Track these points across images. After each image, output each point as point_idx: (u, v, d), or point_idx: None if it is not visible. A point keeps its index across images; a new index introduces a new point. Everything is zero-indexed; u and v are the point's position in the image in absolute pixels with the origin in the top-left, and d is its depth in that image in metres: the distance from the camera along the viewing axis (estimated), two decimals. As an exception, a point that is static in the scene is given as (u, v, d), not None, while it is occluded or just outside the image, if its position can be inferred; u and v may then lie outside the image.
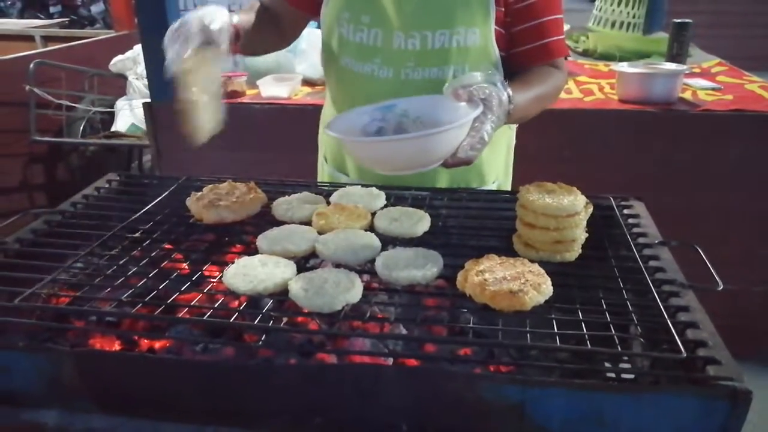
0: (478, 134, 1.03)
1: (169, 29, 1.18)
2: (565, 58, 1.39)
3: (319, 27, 1.49)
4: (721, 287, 0.96)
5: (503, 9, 1.29)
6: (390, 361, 0.93)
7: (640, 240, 1.14)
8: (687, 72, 2.56)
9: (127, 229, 1.20)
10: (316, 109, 2.44)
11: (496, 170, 1.51)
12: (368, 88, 1.36)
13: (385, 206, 1.27)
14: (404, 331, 1.00)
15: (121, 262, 1.08)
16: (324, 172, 1.63)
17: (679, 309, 0.93)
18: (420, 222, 1.17)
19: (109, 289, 1.03)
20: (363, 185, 1.34)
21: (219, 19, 1.19)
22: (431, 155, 1.02)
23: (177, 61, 1.15)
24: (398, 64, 1.32)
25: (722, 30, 5.74)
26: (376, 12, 1.31)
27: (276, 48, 1.57)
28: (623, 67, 2.43)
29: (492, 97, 1.07)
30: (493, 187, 1.50)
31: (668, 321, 0.89)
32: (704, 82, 2.63)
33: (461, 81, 1.11)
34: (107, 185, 1.42)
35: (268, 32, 1.44)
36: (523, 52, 1.34)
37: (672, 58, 2.73)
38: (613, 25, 3.51)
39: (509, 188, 1.58)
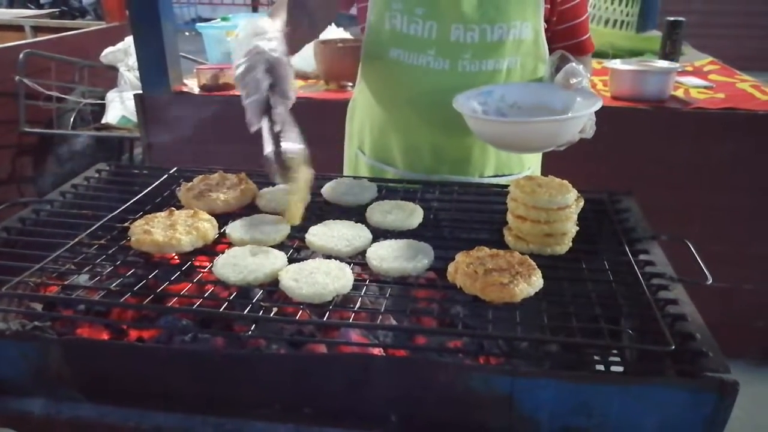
0: (592, 119, 1.20)
1: (236, 73, 1.12)
2: None
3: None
4: (710, 281, 0.97)
5: (549, 6, 1.36)
6: (380, 351, 0.93)
7: (631, 234, 1.15)
8: (679, 70, 2.56)
9: (116, 219, 1.19)
10: (308, 103, 2.45)
11: (532, 157, 1.58)
12: (422, 79, 1.37)
13: (377, 199, 1.27)
14: (394, 323, 1.00)
15: (110, 251, 1.08)
16: (359, 165, 1.61)
17: (668, 302, 0.93)
18: (412, 215, 1.17)
19: (97, 278, 1.02)
20: (407, 180, 1.41)
21: (278, 48, 1.12)
22: (560, 138, 1.15)
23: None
24: (455, 56, 1.35)
25: (715, 29, 5.78)
26: (431, 4, 1.33)
27: (304, 45, 1.48)
28: (616, 64, 2.44)
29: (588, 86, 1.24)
30: (528, 173, 1.54)
31: (657, 313, 0.89)
32: (696, 80, 2.64)
33: (566, 70, 1.22)
34: (97, 175, 1.41)
35: (302, 29, 1.37)
36: (561, 48, 1.40)
37: (665, 56, 2.74)
38: (606, 22, 3.52)
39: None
